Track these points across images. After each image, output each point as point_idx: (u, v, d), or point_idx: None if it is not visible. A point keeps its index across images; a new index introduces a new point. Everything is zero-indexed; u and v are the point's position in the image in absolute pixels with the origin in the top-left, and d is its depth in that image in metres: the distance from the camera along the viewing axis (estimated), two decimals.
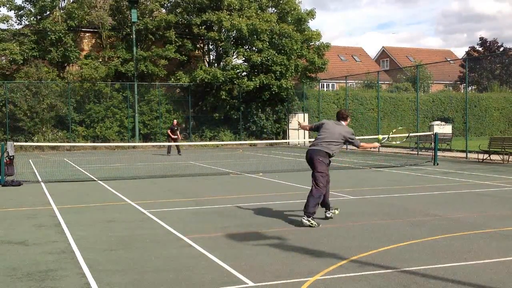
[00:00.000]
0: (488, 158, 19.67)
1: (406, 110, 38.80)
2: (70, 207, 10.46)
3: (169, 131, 25.97)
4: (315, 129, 8.99)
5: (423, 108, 37.91)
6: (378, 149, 26.87)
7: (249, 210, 9.81)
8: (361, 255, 6.45)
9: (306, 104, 35.01)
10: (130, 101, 32.23)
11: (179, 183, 14.30)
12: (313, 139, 8.98)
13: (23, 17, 32.57)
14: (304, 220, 8.17)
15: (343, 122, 8.73)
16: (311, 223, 8.12)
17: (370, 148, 9.93)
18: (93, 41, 34.54)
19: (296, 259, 6.33)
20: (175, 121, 26.73)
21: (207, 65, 35.20)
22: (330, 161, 8.52)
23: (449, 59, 56.70)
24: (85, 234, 7.93)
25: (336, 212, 8.92)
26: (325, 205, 8.75)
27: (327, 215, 8.79)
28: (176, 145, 25.25)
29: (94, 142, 30.01)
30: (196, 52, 35.92)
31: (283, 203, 10.53)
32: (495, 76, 51.66)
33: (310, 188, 8.43)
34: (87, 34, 34.49)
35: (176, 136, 25.38)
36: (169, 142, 25.66)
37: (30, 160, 22.76)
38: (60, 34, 31.10)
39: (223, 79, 31.99)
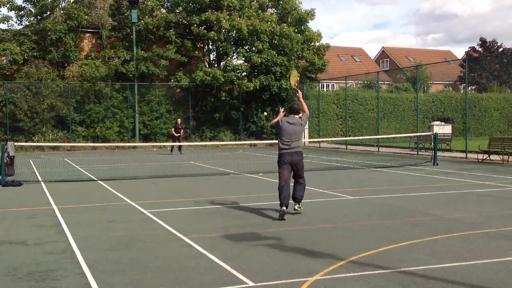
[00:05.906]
0: (488, 158, 19.66)
1: (406, 110, 38.77)
2: (70, 207, 10.46)
3: (173, 130, 26.58)
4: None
5: (423, 108, 37.88)
6: (378, 149, 26.86)
7: (249, 210, 9.81)
8: (361, 255, 6.45)
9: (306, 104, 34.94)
10: (130, 101, 32.23)
11: (179, 183, 14.30)
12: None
13: (24, 17, 32.61)
14: (299, 208, 9.32)
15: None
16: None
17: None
18: (93, 41, 34.52)
19: (296, 259, 6.33)
20: (179, 120, 27.10)
21: (207, 65, 35.16)
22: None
23: (449, 59, 56.67)
24: (85, 234, 7.94)
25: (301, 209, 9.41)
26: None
27: (296, 208, 9.35)
28: (179, 145, 25.99)
29: (94, 142, 29.98)
30: (196, 52, 35.89)
31: None
32: (495, 77, 51.63)
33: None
34: (87, 34, 34.45)
35: (179, 134, 26.02)
36: (173, 141, 26.32)
37: (30, 160, 22.77)
38: (60, 34, 31.10)
39: (223, 80, 31.99)
